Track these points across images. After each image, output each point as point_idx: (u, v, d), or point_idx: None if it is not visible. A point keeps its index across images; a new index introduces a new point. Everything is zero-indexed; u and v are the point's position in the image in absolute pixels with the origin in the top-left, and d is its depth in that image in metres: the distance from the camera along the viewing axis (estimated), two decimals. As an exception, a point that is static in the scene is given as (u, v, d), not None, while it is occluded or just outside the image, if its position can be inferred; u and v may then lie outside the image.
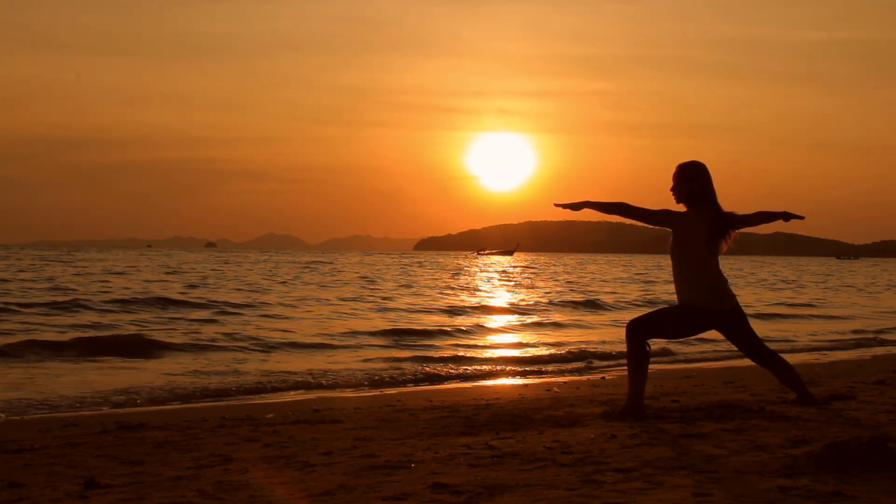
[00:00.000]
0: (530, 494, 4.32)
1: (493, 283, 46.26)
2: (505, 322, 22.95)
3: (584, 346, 16.84)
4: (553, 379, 12.54)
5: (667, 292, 36.42)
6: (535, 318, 23.93)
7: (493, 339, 19.18)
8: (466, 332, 20.01)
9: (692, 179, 6.55)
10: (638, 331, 6.55)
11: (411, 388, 11.63)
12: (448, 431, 6.50)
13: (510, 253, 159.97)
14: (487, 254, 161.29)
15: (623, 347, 6.79)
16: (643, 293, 37.65)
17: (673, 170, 6.67)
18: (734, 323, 6.59)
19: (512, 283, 46.36)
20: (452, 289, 39.47)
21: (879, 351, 16.81)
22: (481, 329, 21.08)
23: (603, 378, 12.23)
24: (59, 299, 25.45)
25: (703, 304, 6.52)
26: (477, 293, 36.23)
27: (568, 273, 65.24)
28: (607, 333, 19.93)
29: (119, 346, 15.43)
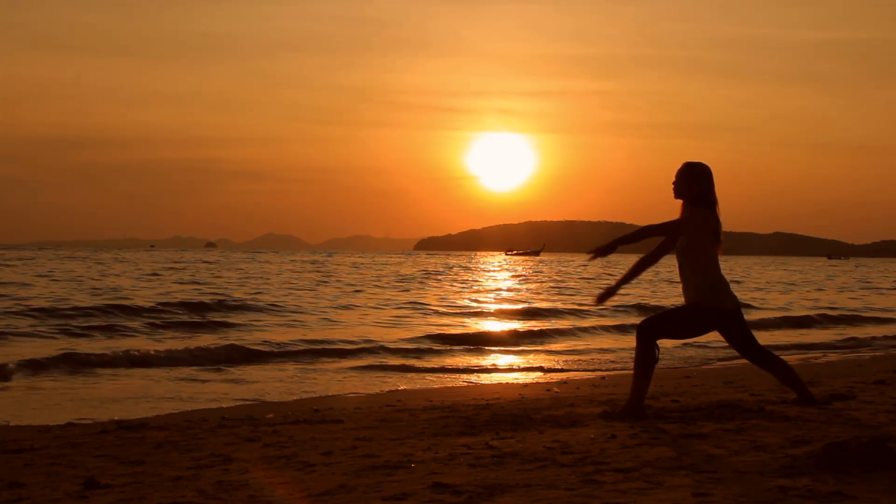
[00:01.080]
0: (530, 494, 4.32)
1: (569, 285, 46.00)
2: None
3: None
4: (553, 379, 12.54)
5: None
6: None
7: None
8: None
9: (696, 180, 6.58)
10: (648, 332, 6.56)
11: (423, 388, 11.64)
12: (448, 431, 6.49)
13: (537, 253, 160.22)
14: (516, 254, 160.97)
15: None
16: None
17: (678, 166, 6.71)
18: (734, 324, 6.60)
19: (582, 286, 45.76)
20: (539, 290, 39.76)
21: (880, 351, 16.82)
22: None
23: (603, 378, 12.24)
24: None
25: (706, 304, 6.53)
26: (568, 296, 36.06)
27: (611, 276, 63.83)
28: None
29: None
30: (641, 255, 6.87)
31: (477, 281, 50.31)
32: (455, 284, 45.64)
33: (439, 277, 53.77)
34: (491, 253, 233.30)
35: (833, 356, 15.69)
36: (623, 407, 6.64)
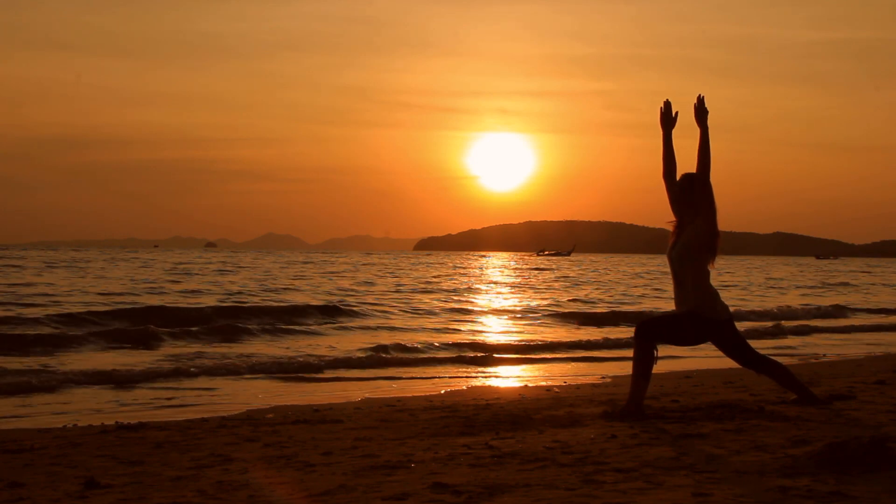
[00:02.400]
0: (530, 494, 4.32)
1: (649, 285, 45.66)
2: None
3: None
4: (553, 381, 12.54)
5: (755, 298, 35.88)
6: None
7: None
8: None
9: (710, 189, 6.59)
10: (646, 333, 6.56)
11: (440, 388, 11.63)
12: (448, 431, 6.50)
13: (569, 253, 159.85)
14: (548, 254, 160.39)
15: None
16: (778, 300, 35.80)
17: (681, 175, 6.72)
18: (728, 333, 6.62)
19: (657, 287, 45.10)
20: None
21: (880, 350, 16.81)
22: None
23: (603, 378, 12.24)
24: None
25: (703, 313, 6.54)
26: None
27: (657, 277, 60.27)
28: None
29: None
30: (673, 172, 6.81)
31: (585, 282, 49.11)
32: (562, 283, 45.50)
33: (525, 279, 52.61)
34: (523, 253, 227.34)
35: (833, 356, 15.67)
36: (623, 407, 6.64)
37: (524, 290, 39.12)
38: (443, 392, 10.91)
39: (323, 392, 11.27)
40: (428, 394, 10.69)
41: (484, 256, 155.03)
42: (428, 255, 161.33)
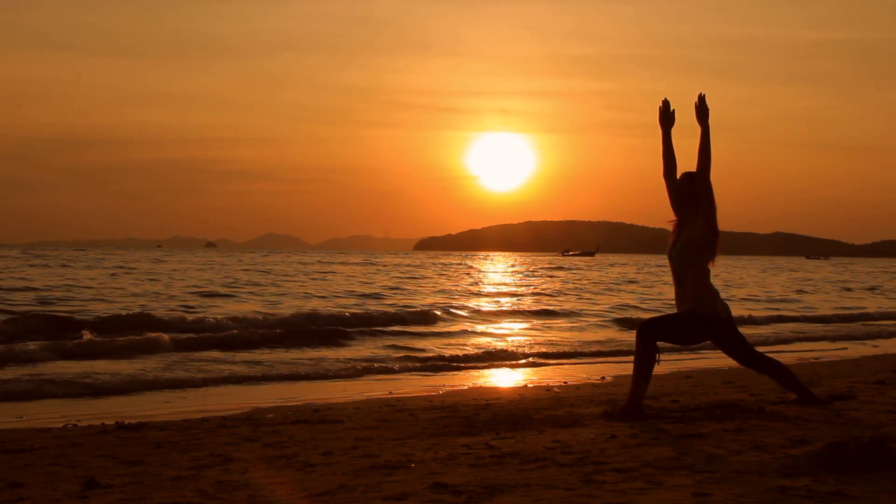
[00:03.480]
0: (530, 494, 4.32)
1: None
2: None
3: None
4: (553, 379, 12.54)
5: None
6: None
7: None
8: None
9: (711, 188, 6.59)
10: (648, 333, 6.56)
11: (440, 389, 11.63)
12: (448, 431, 6.50)
13: (592, 254, 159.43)
14: (573, 254, 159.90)
15: None
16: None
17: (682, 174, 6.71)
18: (729, 331, 6.62)
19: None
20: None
21: (879, 350, 16.81)
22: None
23: (603, 378, 12.24)
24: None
25: (703, 313, 6.54)
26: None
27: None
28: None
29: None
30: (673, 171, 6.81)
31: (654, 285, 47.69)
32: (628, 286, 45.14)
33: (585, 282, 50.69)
34: (542, 253, 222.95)
35: (833, 356, 15.67)
36: (623, 407, 6.64)
37: (614, 294, 37.82)
38: (442, 392, 10.91)
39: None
40: (428, 394, 10.69)
41: (507, 257, 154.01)
42: (445, 255, 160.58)
